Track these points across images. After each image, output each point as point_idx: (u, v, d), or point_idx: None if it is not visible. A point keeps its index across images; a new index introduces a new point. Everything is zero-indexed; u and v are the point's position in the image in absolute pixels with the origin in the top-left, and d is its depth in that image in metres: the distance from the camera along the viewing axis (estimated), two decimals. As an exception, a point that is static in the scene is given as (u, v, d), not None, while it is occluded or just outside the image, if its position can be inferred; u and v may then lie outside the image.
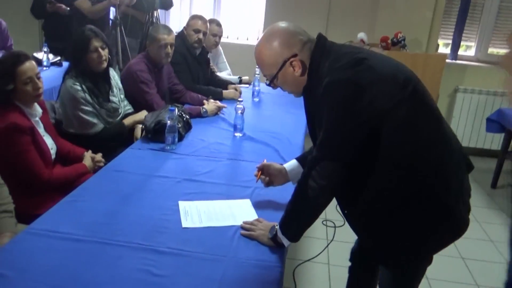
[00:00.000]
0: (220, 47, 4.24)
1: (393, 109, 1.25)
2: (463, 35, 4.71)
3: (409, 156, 1.28)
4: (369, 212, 1.36)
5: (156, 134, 2.27)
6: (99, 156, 2.26)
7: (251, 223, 1.52)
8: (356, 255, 1.87)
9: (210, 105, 2.94)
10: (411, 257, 1.40)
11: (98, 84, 2.51)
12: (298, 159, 1.73)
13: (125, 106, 2.75)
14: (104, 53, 2.45)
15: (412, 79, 1.33)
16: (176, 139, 2.22)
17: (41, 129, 2.05)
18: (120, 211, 1.57)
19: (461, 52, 4.82)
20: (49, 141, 2.09)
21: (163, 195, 1.72)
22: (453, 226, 1.34)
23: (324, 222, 3.15)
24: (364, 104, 1.24)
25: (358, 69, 1.28)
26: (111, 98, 2.60)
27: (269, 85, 1.49)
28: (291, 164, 1.72)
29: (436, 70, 3.78)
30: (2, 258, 1.27)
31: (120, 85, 2.76)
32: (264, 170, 1.73)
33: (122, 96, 2.74)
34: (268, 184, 1.73)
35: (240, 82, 4.04)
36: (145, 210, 1.58)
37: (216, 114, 2.93)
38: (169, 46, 2.91)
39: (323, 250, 2.80)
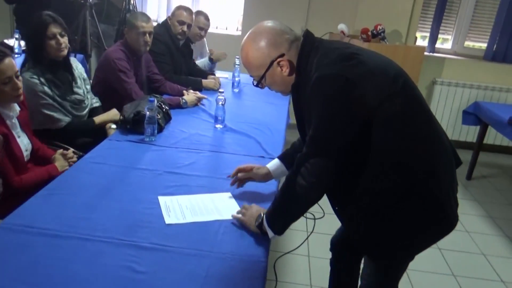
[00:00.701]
0: (205, 40, 4.19)
1: (383, 103, 1.24)
2: (440, 28, 4.77)
3: (401, 152, 1.27)
4: (361, 209, 1.34)
5: (135, 125, 2.21)
6: (70, 153, 2.12)
7: (242, 207, 1.52)
8: (337, 245, 1.86)
9: (190, 95, 2.89)
10: (402, 251, 1.40)
11: (59, 75, 2.33)
12: (280, 157, 1.72)
13: (92, 99, 2.61)
14: (64, 40, 2.26)
15: (402, 74, 1.33)
16: (156, 131, 2.17)
17: (16, 130, 1.93)
18: (99, 205, 1.51)
19: (438, 45, 4.87)
20: (24, 140, 1.98)
21: (143, 188, 1.68)
22: (445, 221, 1.34)
23: (304, 214, 3.15)
24: (355, 99, 1.22)
25: (348, 63, 1.26)
26: (75, 89, 2.41)
27: (256, 85, 1.45)
28: (274, 163, 1.71)
29: (415, 62, 3.81)
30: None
31: (85, 76, 2.59)
32: (245, 170, 1.70)
33: (88, 87, 2.58)
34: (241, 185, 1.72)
35: (211, 60, 3.99)
36: (126, 204, 1.54)
37: (196, 105, 2.88)
38: (147, 34, 2.82)
39: (303, 242, 2.80)
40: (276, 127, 2.54)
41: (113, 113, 2.49)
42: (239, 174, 1.70)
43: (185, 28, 3.28)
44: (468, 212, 3.50)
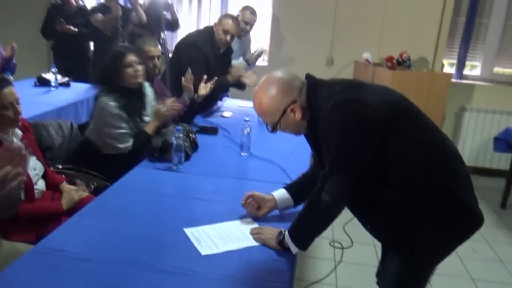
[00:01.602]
0: (250, 36, 4.17)
1: (394, 120, 1.38)
2: (469, 54, 4.73)
3: (419, 160, 1.40)
4: (391, 216, 1.45)
5: (162, 153, 2.27)
6: (80, 190, 2.14)
7: (258, 228, 1.59)
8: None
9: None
10: (436, 250, 1.47)
11: (133, 101, 2.47)
12: (286, 187, 1.77)
13: None
14: (140, 68, 2.43)
15: (403, 98, 1.48)
16: (183, 159, 2.21)
17: None
18: (126, 230, 1.56)
19: (467, 71, 4.83)
20: (31, 162, 2.01)
21: (169, 214, 1.71)
22: (472, 218, 1.44)
23: (332, 243, 3.12)
24: (369, 118, 1.35)
25: (358, 90, 1.42)
26: (144, 117, 2.53)
27: (271, 131, 1.55)
28: (279, 192, 1.75)
29: (442, 89, 3.78)
30: (9, 277, 1.26)
31: (153, 102, 2.67)
32: (252, 199, 1.74)
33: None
34: (256, 212, 1.73)
35: (247, 61, 3.98)
36: (151, 230, 1.57)
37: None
38: (155, 58, 2.88)
39: (331, 271, 2.77)
40: (300, 154, 2.55)
41: (160, 116, 2.50)
42: (248, 201, 1.73)
43: (228, 38, 3.23)
44: (502, 241, 3.38)
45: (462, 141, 4.63)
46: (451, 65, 4.89)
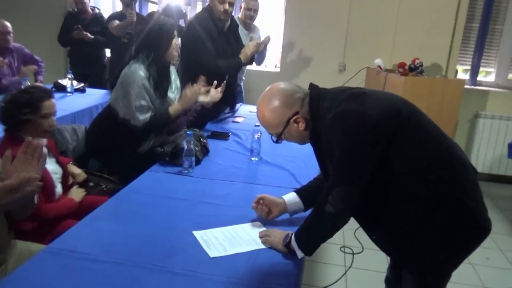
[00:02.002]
0: (257, 26, 4.15)
1: (398, 128, 1.38)
2: (482, 60, 4.70)
3: (423, 169, 1.38)
4: (397, 232, 1.44)
5: (173, 157, 2.30)
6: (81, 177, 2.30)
7: (266, 231, 1.62)
8: (392, 284, 1.84)
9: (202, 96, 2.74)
10: (445, 263, 1.45)
11: (161, 77, 2.52)
12: (297, 191, 1.78)
13: None
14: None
15: (406, 104, 1.47)
16: (193, 163, 2.24)
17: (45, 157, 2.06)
18: (137, 233, 1.58)
19: (481, 78, 4.79)
20: (51, 167, 2.09)
21: (179, 217, 1.74)
22: (480, 227, 1.42)
23: (342, 249, 3.11)
24: (371, 128, 1.35)
25: (359, 99, 1.42)
26: (169, 94, 2.61)
27: (276, 142, 1.58)
28: (290, 196, 1.76)
29: (455, 95, 3.76)
30: (21, 277, 1.29)
31: (179, 85, 2.74)
32: (262, 201, 1.76)
33: (178, 96, 2.70)
34: (266, 215, 1.75)
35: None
36: (161, 232, 1.60)
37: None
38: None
39: (341, 276, 2.76)
40: (310, 159, 2.55)
41: (188, 98, 2.56)
42: (260, 202, 1.75)
43: (226, 6, 3.05)
44: (516, 250, 3.33)
45: (476, 148, 4.58)
46: (465, 71, 4.86)
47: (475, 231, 1.42)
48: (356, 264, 2.94)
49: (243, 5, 3.97)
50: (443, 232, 1.39)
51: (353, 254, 3.06)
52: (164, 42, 2.45)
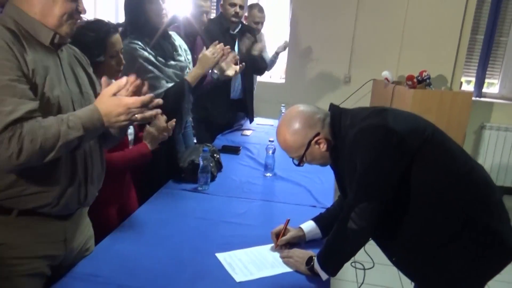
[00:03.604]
0: (263, 35, 4.15)
1: (421, 146, 1.35)
2: (487, 72, 4.71)
3: (447, 189, 1.36)
4: (418, 255, 1.42)
5: (188, 174, 2.26)
6: (162, 123, 1.99)
7: (288, 252, 1.58)
8: None
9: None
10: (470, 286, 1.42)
11: (159, 42, 2.28)
12: (315, 219, 1.75)
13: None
14: (164, 6, 2.24)
15: (429, 124, 1.46)
16: (209, 180, 2.21)
17: None
18: (160, 255, 1.55)
19: (484, 89, 4.80)
20: None
21: (201, 238, 1.71)
22: (504, 248, 1.37)
23: (353, 264, 3.08)
24: (396, 145, 1.33)
25: (383, 115, 1.41)
26: (177, 57, 2.38)
27: (298, 165, 1.55)
28: (309, 226, 1.72)
29: (463, 108, 3.76)
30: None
31: (186, 47, 2.53)
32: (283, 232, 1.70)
33: (190, 57, 2.51)
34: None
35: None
36: (185, 254, 1.57)
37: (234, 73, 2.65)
38: (205, 14, 2.73)
39: (354, 293, 2.73)
40: (325, 175, 2.53)
41: (205, 62, 2.33)
42: (280, 241, 1.67)
43: (237, 9, 3.08)
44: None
45: (482, 160, 4.58)
46: (468, 82, 4.87)
47: (500, 254, 1.38)
48: (368, 280, 2.91)
49: (248, 15, 3.96)
50: (467, 255, 1.36)
51: (364, 269, 3.02)
52: (139, 5, 2.20)
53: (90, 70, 1.49)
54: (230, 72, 2.63)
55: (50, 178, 1.25)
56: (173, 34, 2.48)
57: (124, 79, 1.24)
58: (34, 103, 1.15)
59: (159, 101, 1.28)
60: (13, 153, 1.08)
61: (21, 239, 1.28)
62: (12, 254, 1.26)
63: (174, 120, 2.07)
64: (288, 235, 1.67)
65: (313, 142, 1.47)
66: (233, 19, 3.13)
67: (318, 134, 1.47)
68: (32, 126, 1.11)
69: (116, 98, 1.22)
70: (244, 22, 3.84)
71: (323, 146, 1.48)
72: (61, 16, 1.23)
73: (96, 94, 1.47)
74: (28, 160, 1.11)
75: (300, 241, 1.70)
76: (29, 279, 1.30)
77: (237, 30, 3.23)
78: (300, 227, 1.72)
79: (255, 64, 3.25)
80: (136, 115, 1.23)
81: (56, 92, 1.23)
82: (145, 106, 1.23)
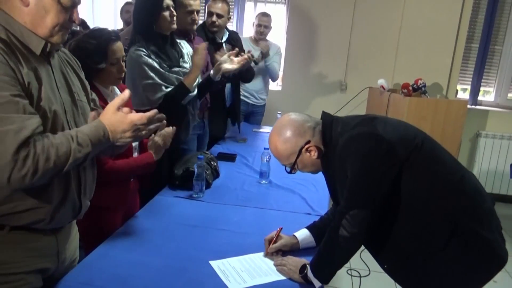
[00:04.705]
0: (276, 45, 4.13)
1: (411, 153, 1.37)
2: (482, 80, 4.74)
3: (435, 198, 1.38)
4: (408, 262, 1.43)
5: (183, 181, 2.26)
6: (167, 131, 1.97)
7: (281, 260, 1.58)
8: None
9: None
10: None
11: (165, 49, 2.35)
12: (308, 227, 1.75)
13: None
14: (175, 14, 2.30)
15: (419, 132, 1.48)
16: (204, 187, 2.21)
17: None
18: (153, 263, 1.54)
19: (479, 97, 4.83)
20: None
21: (195, 246, 1.70)
22: (495, 258, 1.39)
23: (349, 272, 3.08)
24: (386, 153, 1.35)
25: (373, 124, 1.42)
26: (182, 64, 2.43)
27: (289, 172, 1.57)
28: (302, 234, 1.73)
29: (458, 116, 3.77)
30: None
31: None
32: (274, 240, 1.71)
33: None
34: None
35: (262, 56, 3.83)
36: (178, 263, 1.56)
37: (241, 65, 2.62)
38: (195, 13, 2.70)
39: (350, 301, 2.72)
40: (320, 182, 2.52)
41: (196, 63, 2.36)
42: (270, 248, 1.67)
43: (214, 18, 3.03)
44: (523, 271, 3.31)
45: (477, 167, 4.60)
46: (463, 90, 4.90)
47: (490, 262, 1.39)
48: (364, 288, 2.91)
49: (255, 21, 4.02)
50: (456, 263, 1.37)
51: (360, 277, 3.02)
52: (151, 10, 2.26)
53: (82, 75, 1.48)
54: (228, 66, 2.57)
55: (43, 193, 1.22)
56: (182, 42, 2.53)
57: (127, 92, 1.24)
58: (38, 118, 1.12)
59: (162, 115, 1.28)
60: (28, 172, 1.06)
61: (13, 255, 1.24)
62: (3, 270, 1.23)
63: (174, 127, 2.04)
64: (279, 243, 1.66)
65: (303, 150, 1.49)
66: (211, 28, 3.11)
67: (308, 142, 1.49)
68: (44, 144, 1.09)
69: (120, 114, 1.21)
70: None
71: (314, 154, 1.50)
72: (53, 27, 1.18)
73: (89, 99, 1.47)
74: (41, 179, 1.10)
75: (294, 249, 1.69)
76: None
77: (224, 39, 3.22)
78: (294, 235, 1.72)
79: (242, 74, 3.17)
80: (141, 132, 1.23)
81: (50, 105, 1.20)
82: (150, 122, 1.23)
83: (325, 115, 1.56)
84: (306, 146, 1.49)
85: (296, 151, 1.49)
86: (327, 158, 1.51)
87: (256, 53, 3.68)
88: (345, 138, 1.40)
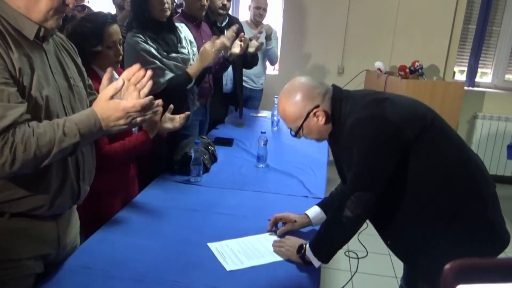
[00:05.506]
0: (274, 29, 4.10)
1: (419, 136, 1.36)
2: (479, 62, 4.73)
3: (442, 177, 1.38)
4: (412, 240, 1.45)
5: (181, 166, 2.27)
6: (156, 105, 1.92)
7: (280, 241, 1.60)
8: None
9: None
10: None
11: (163, 35, 2.33)
12: (319, 205, 1.77)
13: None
14: (167, 0, 2.26)
15: (430, 110, 1.47)
16: (201, 172, 2.22)
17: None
18: (152, 247, 1.56)
19: (477, 79, 4.82)
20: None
21: (193, 229, 1.72)
22: (498, 239, 1.40)
23: (347, 253, 3.11)
24: (392, 135, 1.35)
25: (381, 105, 1.41)
26: (180, 49, 2.41)
27: (294, 136, 1.56)
28: (314, 211, 1.75)
29: (455, 98, 3.78)
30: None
31: (192, 38, 2.56)
32: (282, 220, 1.74)
33: (195, 50, 2.52)
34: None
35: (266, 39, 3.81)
36: (177, 246, 1.58)
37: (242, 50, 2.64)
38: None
39: (347, 282, 2.76)
40: (318, 165, 2.56)
41: (205, 56, 2.32)
42: (280, 230, 1.71)
43: (225, 1, 3.02)
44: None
45: (474, 150, 4.59)
46: (461, 72, 4.89)
47: (493, 243, 1.40)
48: (362, 269, 2.94)
49: (252, 4, 3.98)
50: (460, 243, 1.38)
51: (358, 258, 3.06)
52: (144, 3, 2.25)
53: (79, 60, 1.47)
54: (236, 49, 2.63)
55: (41, 180, 1.22)
56: (180, 26, 2.50)
57: (120, 81, 1.21)
58: (23, 107, 1.10)
59: (159, 102, 1.27)
60: (6, 162, 1.05)
61: (13, 241, 1.25)
62: (3, 256, 1.24)
63: (186, 113, 2.05)
64: (289, 225, 1.71)
65: (311, 114, 1.48)
66: (220, 11, 3.08)
67: (317, 107, 1.48)
68: (24, 133, 1.07)
69: (114, 101, 1.19)
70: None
71: (322, 119, 1.48)
72: (47, 11, 1.17)
73: (85, 85, 1.46)
74: (22, 169, 1.09)
75: (303, 225, 1.73)
76: (23, 280, 1.29)
77: (224, 23, 3.20)
78: (305, 214, 1.74)
79: (245, 60, 3.19)
80: (136, 119, 1.21)
81: (44, 92, 1.19)
82: (145, 109, 1.21)
83: (335, 89, 1.53)
84: (314, 110, 1.47)
85: (304, 114, 1.48)
86: (334, 136, 1.51)
87: (262, 36, 3.63)
88: (352, 120, 1.40)
